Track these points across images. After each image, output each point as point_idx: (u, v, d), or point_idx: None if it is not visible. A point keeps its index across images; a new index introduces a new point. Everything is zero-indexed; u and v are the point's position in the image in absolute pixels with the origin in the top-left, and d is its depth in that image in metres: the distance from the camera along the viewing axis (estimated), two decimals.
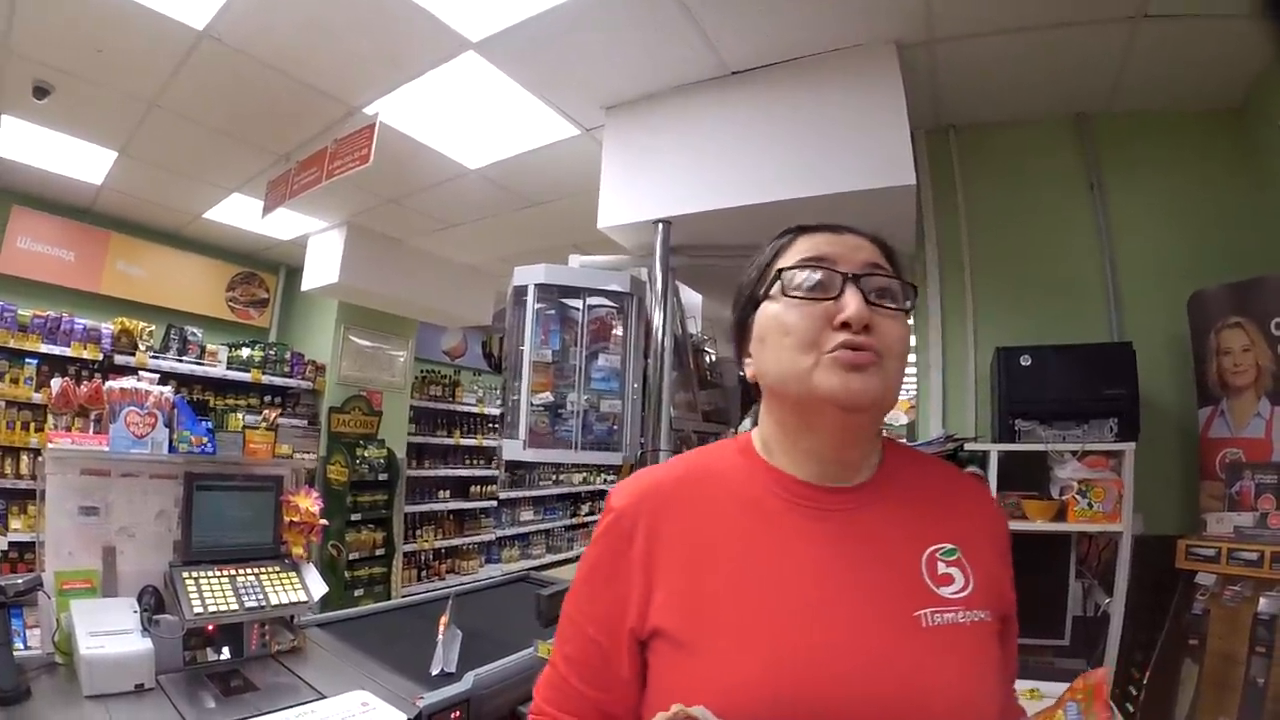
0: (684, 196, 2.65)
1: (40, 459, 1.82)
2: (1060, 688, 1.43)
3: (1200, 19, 2.21)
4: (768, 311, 0.78)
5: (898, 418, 5.65)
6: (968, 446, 2.26)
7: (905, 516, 0.76)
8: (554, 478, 7.61)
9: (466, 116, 3.17)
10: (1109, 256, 2.66)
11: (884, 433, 0.84)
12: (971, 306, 2.82)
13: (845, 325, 0.72)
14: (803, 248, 0.79)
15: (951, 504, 0.80)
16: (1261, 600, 1.89)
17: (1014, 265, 2.81)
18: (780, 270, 0.77)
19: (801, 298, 0.75)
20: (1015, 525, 2.12)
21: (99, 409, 1.98)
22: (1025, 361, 2.39)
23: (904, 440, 3.07)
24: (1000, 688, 0.73)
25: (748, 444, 0.84)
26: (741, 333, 0.84)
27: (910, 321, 0.80)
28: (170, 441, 1.99)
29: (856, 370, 0.71)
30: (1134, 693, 2.20)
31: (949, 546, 0.74)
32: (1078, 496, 2.13)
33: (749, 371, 0.82)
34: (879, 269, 0.77)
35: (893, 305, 0.75)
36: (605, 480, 7.78)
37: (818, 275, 0.75)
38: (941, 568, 0.73)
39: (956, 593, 0.72)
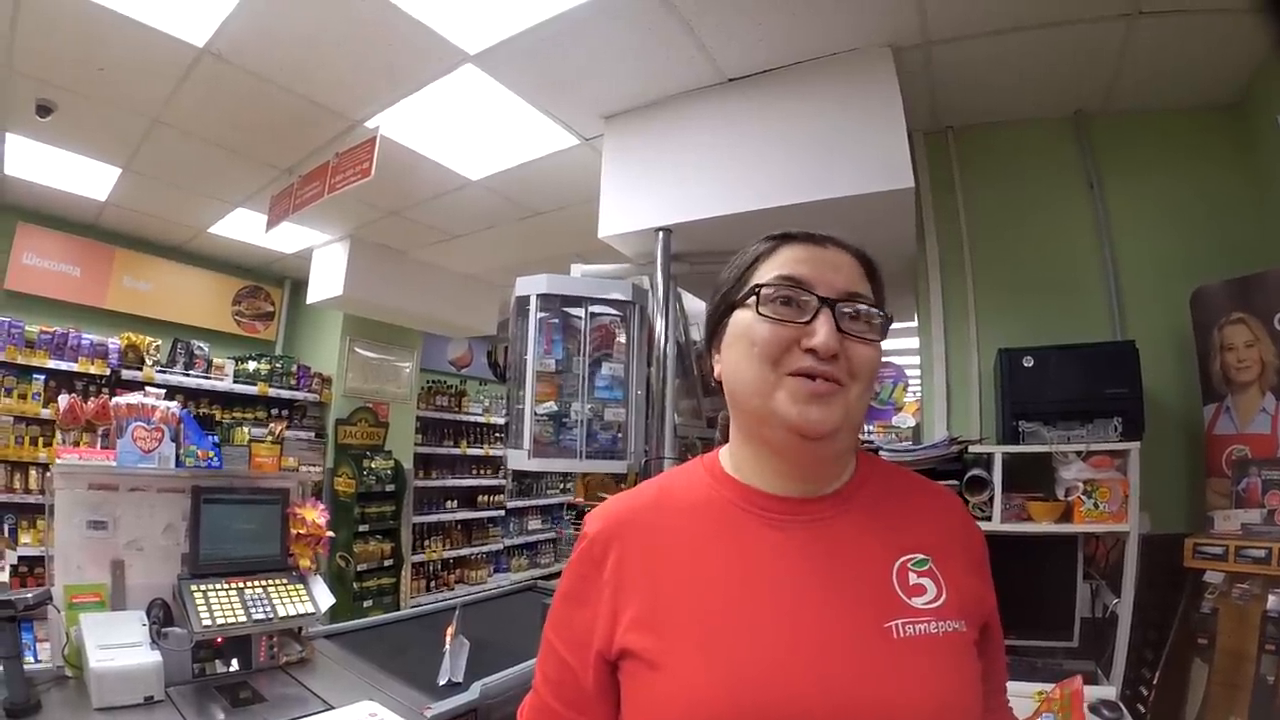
0: (684, 204, 2.65)
1: (49, 474, 1.84)
2: None
3: (1196, 14, 2.21)
4: (740, 318, 0.78)
5: (905, 420, 5.62)
6: (972, 449, 2.25)
7: (876, 527, 0.76)
8: (561, 486, 7.61)
9: (467, 128, 3.19)
10: (1109, 255, 2.65)
11: (888, 436, 0.84)
12: (973, 308, 2.81)
13: (812, 350, 0.71)
14: (782, 261, 0.78)
15: (923, 514, 0.80)
16: (1270, 597, 1.87)
17: (1015, 266, 2.80)
18: (758, 285, 0.76)
19: (773, 317, 0.74)
20: (1021, 527, 2.14)
21: (106, 424, 1.99)
22: (1028, 363, 2.38)
23: (909, 443, 3.06)
24: (979, 698, 0.71)
25: (715, 461, 0.84)
26: (714, 330, 0.84)
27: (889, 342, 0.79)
28: (177, 456, 2.00)
29: (816, 400, 0.71)
30: (1144, 693, 2.19)
31: (920, 557, 0.74)
32: (1083, 497, 2.11)
33: (716, 369, 0.82)
34: (856, 296, 0.76)
35: (864, 333, 0.74)
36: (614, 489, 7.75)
37: (792, 297, 0.74)
38: (913, 578, 0.72)
39: (929, 603, 0.71)
